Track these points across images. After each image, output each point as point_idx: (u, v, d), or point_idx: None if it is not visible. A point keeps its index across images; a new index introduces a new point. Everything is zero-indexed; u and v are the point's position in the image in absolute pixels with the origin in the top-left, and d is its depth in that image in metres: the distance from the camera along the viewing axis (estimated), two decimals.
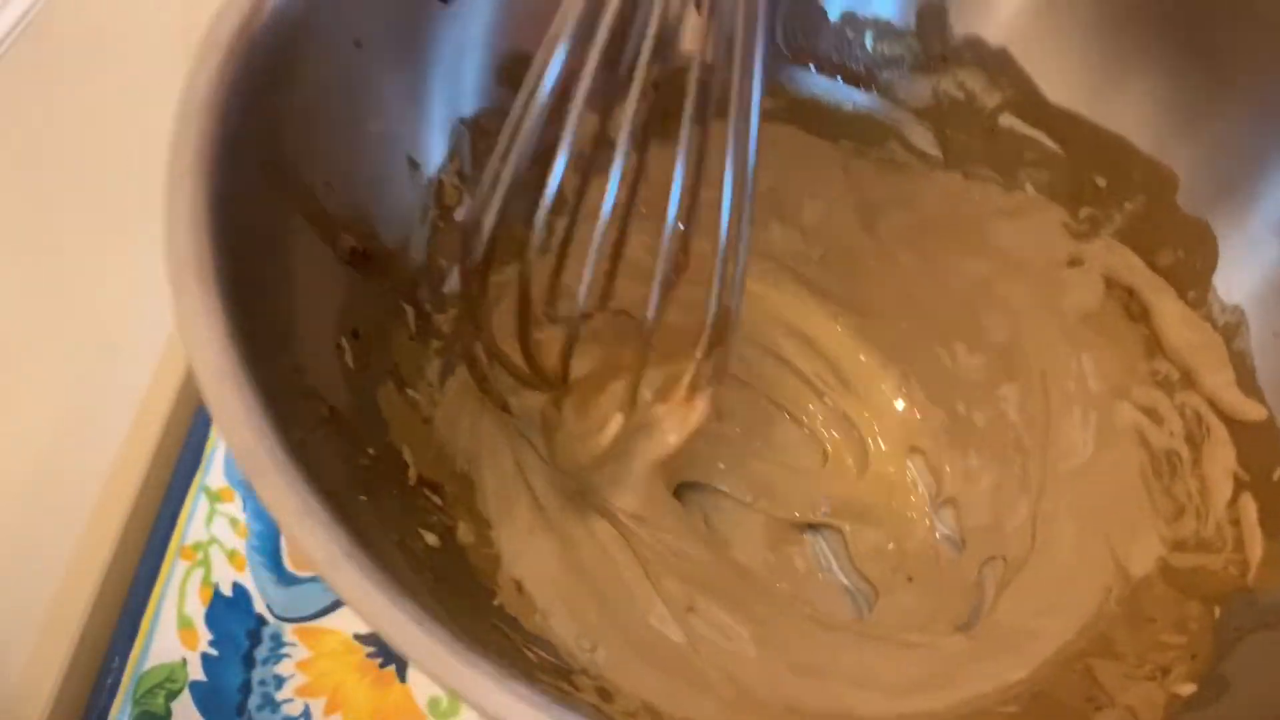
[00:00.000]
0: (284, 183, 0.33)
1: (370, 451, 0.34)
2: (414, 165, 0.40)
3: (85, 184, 0.46)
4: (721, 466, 0.40)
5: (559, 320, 0.39)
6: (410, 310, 0.39)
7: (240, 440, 0.24)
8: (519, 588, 0.34)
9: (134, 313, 0.49)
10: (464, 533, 0.35)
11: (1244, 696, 0.31)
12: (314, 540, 0.23)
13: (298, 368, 0.32)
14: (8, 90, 0.41)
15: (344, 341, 0.35)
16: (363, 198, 0.38)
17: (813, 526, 0.40)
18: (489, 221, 0.33)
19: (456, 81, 0.41)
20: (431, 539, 0.33)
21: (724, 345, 0.36)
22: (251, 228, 0.31)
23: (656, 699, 0.32)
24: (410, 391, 0.37)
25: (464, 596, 0.32)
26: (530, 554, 0.35)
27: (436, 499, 0.35)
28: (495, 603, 0.33)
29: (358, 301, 0.37)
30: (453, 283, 0.41)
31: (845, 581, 0.39)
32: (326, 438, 0.31)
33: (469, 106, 0.41)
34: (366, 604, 0.23)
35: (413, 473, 0.35)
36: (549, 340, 0.37)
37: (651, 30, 0.35)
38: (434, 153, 0.41)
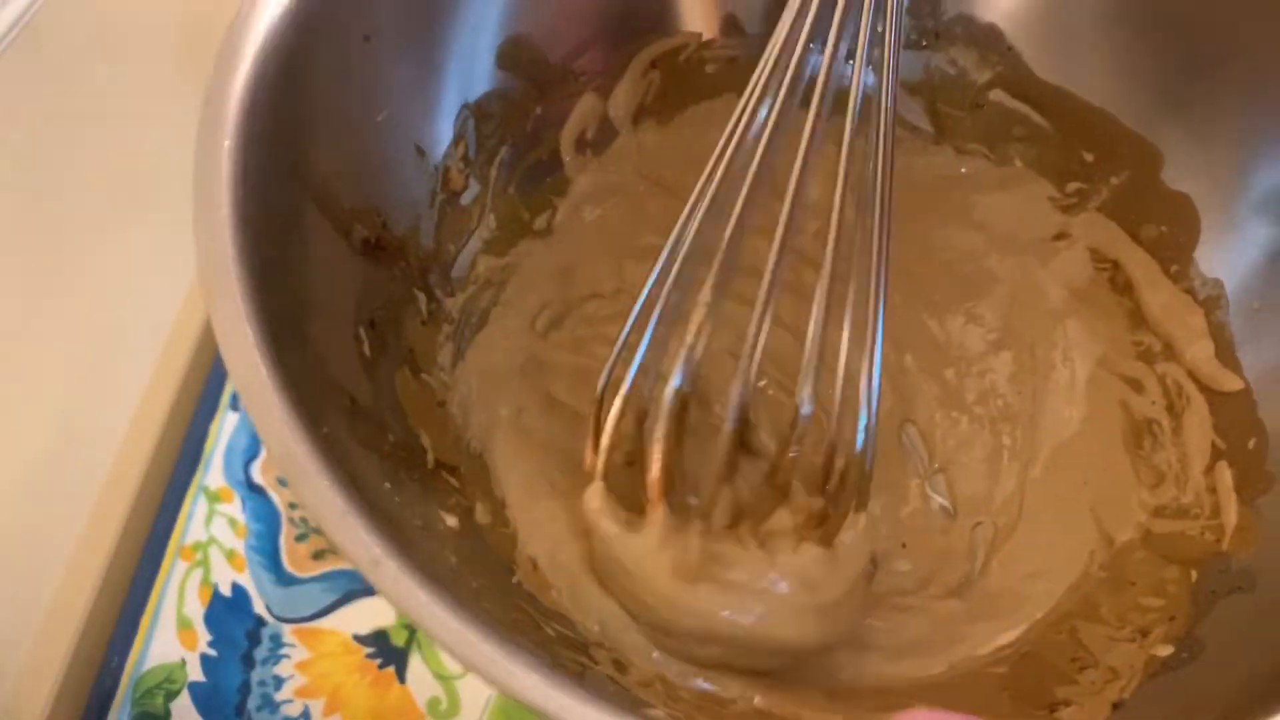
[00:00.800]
0: (301, 181, 0.35)
1: (390, 438, 0.35)
2: (421, 152, 0.41)
3: (85, 184, 0.46)
4: None
5: None
6: (422, 296, 0.40)
7: (280, 444, 0.26)
8: (534, 565, 0.36)
9: (133, 312, 0.49)
10: (481, 513, 0.36)
11: (1217, 657, 0.33)
12: (354, 540, 0.25)
13: (321, 360, 0.33)
14: (7, 90, 0.41)
15: (361, 332, 0.37)
16: (373, 188, 0.39)
17: None
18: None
19: (461, 67, 0.42)
20: (451, 521, 0.35)
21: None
22: (274, 231, 0.32)
23: (670, 671, 0.34)
24: (424, 376, 0.39)
25: (485, 576, 0.33)
26: (544, 534, 0.37)
27: (454, 481, 0.37)
28: (514, 580, 0.35)
29: (372, 291, 0.38)
30: (461, 267, 0.43)
31: None
32: (351, 428, 0.33)
33: (473, 91, 0.42)
34: (404, 599, 0.24)
35: (430, 457, 0.36)
36: None
37: None
38: (440, 139, 0.42)
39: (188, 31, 0.47)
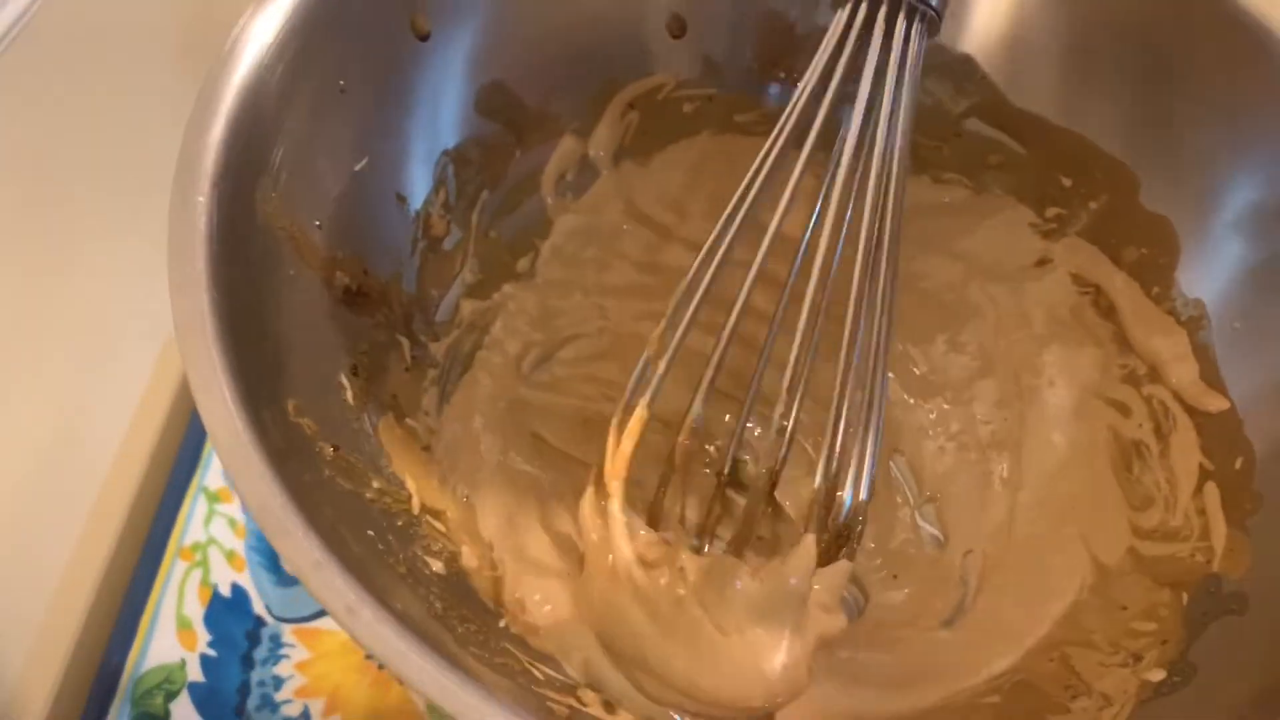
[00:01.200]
0: (280, 232, 0.35)
1: (375, 485, 0.35)
2: (401, 200, 0.41)
3: (84, 184, 0.46)
4: None
5: None
6: (405, 342, 0.40)
7: (255, 498, 0.26)
8: (523, 607, 0.36)
9: (132, 313, 0.48)
10: (467, 557, 0.36)
11: (1209, 680, 0.32)
12: (329, 589, 0.25)
13: (301, 411, 0.33)
14: (7, 90, 0.40)
15: (344, 379, 0.37)
16: (354, 236, 0.39)
17: None
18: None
19: (437, 115, 0.42)
20: (437, 566, 0.35)
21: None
22: (252, 283, 0.32)
23: (658, 713, 0.33)
24: (409, 421, 0.39)
25: (472, 621, 0.33)
26: (533, 576, 0.37)
27: (440, 526, 0.37)
28: (501, 624, 0.35)
29: (354, 339, 0.38)
30: (445, 311, 0.43)
31: None
32: (333, 477, 0.33)
33: (451, 138, 0.42)
34: (381, 647, 0.24)
35: (416, 502, 0.36)
36: None
37: None
38: (420, 186, 0.42)
39: (186, 33, 0.47)
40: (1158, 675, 0.33)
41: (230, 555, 0.44)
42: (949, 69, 0.46)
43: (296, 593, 0.43)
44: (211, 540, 0.45)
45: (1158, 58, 0.42)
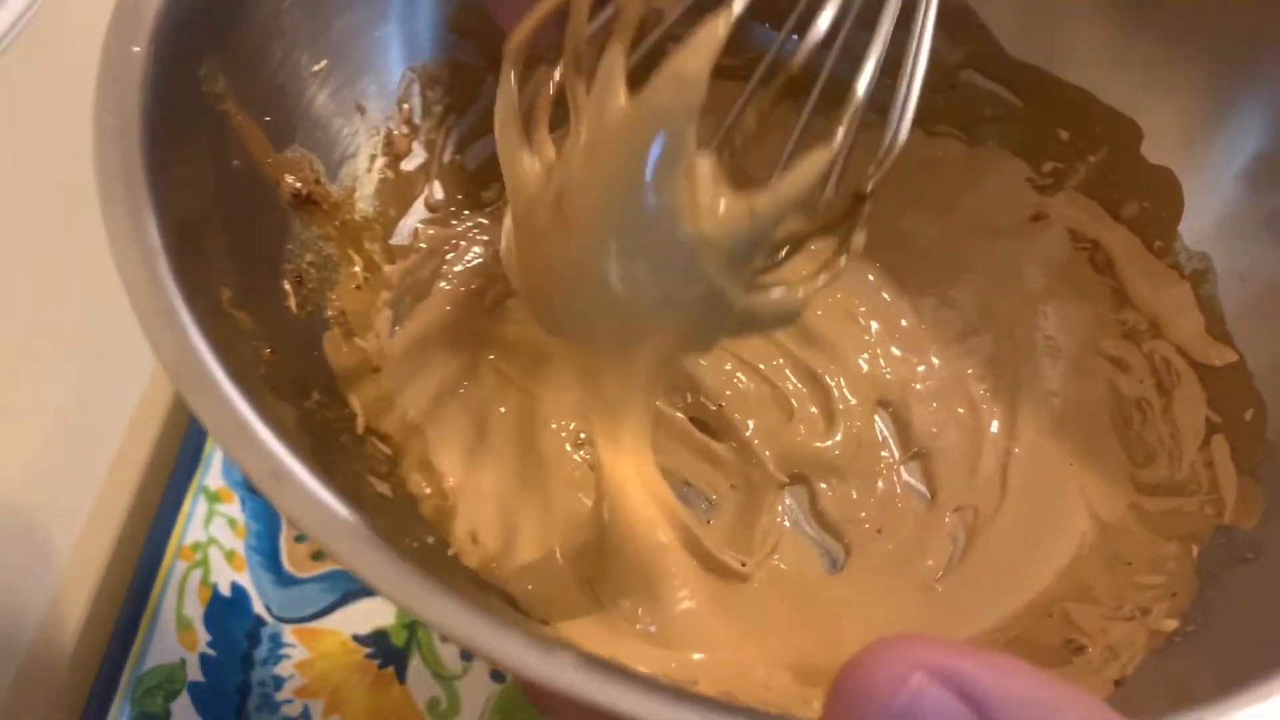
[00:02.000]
0: (223, 115, 0.32)
1: (315, 396, 0.32)
2: (361, 111, 0.38)
3: (85, 184, 0.45)
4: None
5: None
6: (359, 260, 0.37)
7: (172, 351, 0.23)
8: (474, 539, 0.33)
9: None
10: (415, 484, 0.33)
11: (1224, 628, 0.30)
12: (252, 455, 0.22)
13: (236, 304, 0.30)
14: (7, 90, 0.41)
15: (286, 285, 0.33)
16: (307, 139, 0.36)
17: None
18: None
19: (408, 27, 0.39)
20: (383, 487, 0.32)
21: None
22: (188, 150, 0.29)
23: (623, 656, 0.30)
24: (358, 340, 0.36)
25: (419, 543, 0.30)
26: (487, 506, 0.34)
27: (386, 449, 0.34)
28: (450, 554, 0.32)
29: (302, 247, 0.35)
30: (403, 234, 0.40)
31: (814, 535, 0.37)
32: (268, 377, 0.30)
33: (420, 55, 0.40)
34: (308, 517, 0.21)
35: (360, 422, 0.33)
36: None
37: None
38: (382, 100, 0.39)
39: None
40: (1169, 625, 0.30)
41: (230, 555, 0.44)
42: (944, 18, 0.44)
43: (296, 593, 0.43)
44: (212, 540, 0.44)
45: (1161, 5, 0.40)
